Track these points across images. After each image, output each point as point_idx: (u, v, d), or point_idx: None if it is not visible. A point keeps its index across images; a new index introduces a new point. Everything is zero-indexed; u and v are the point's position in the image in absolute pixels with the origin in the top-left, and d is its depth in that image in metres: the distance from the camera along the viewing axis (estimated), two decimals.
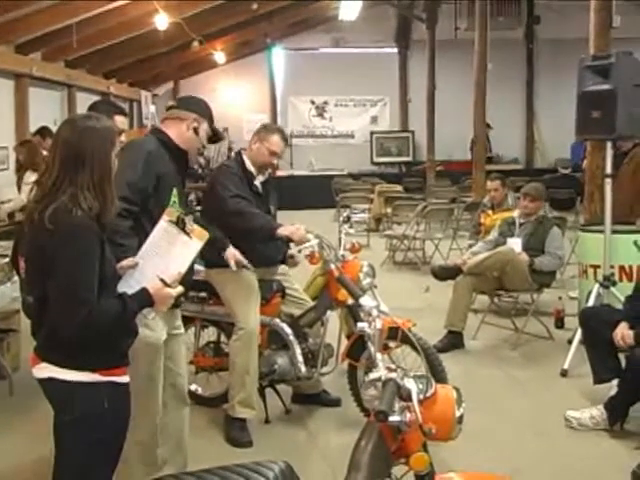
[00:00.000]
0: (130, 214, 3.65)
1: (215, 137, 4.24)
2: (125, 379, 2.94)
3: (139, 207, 3.71)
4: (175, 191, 3.87)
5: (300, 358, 5.15)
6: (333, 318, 5.40)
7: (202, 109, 4.15)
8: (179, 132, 4.00)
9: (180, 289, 2.94)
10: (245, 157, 5.30)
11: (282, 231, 4.95)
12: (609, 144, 6.37)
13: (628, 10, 12.86)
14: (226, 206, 5.03)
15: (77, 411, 2.78)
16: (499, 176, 9.08)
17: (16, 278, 5.20)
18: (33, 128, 11.70)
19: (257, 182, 5.28)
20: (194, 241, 3.06)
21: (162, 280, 2.87)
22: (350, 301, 4.93)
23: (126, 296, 2.81)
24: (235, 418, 5.07)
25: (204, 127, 4.08)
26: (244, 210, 5.03)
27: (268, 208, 5.32)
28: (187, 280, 3.28)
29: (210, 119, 4.16)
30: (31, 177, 7.52)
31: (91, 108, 4.64)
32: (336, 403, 5.58)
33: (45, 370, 2.81)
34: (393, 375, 2.46)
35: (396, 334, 4.30)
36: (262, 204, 5.25)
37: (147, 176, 3.77)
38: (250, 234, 5.05)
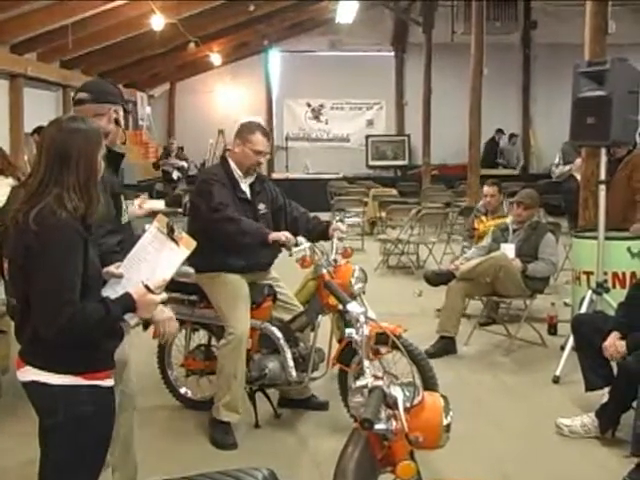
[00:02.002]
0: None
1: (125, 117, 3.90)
2: (109, 382, 2.92)
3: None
4: (122, 197, 3.75)
5: (291, 363, 5.13)
6: (324, 323, 5.38)
7: (116, 95, 3.83)
8: (103, 128, 3.55)
9: (164, 296, 2.93)
10: (231, 161, 5.26)
11: (276, 237, 4.92)
12: (603, 150, 6.35)
13: (624, 16, 12.87)
14: (213, 214, 4.98)
15: (60, 415, 2.76)
16: (496, 182, 9.06)
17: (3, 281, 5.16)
18: (28, 129, 11.70)
19: (244, 186, 5.25)
20: (181, 249, 3.05)
21: (146, 286, 2.85)
22: (341, 306, 4.92)
23: (109, 300, 2.79)
24: (220, 421, 5.04)
25: (121, 113, 3.79)
26: (233, 216, 4.99)
27: (256, 212, 5.26)
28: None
29: (124, 102, 3.89)
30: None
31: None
32: (324, 407, 5.56)
33: (28, 373, 2.79)
34: (379, 383, 2.43)
35: (387, 340, 4.27)
36: (249, 208, 5.21)
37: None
38: (241, 238, 5.00)
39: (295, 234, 5.12)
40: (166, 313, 3.40)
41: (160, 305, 2.94)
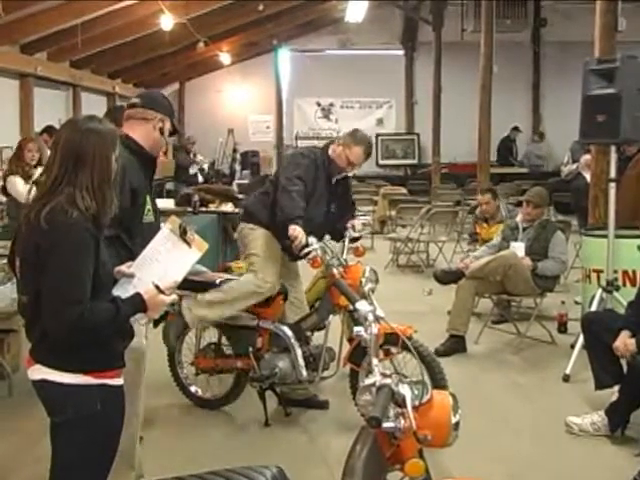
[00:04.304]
0: (117, 240, 3.52)
1: (174, 132, 4.09)
2: (119, 381, 2.93)
3: (115, 229, 3.49)
4: (148, 199, 3.81)
5: (301, 361, 5.14)
6: (335, 322, 5.38)
7: (166, 107, 4.02)
8: (146, 134, 3.87)
9: (174, 297, 2.95)
10: (330, 152, 5.40)
11: (292, 230, 4.94)
12: (613, 148, 6.33)
13: (634, 13, 12.80)
14: (285, 180, 5.18)
15: (70, 413, 2.77)
16: (489, 189, 9.03)
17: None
18: (37, 128, 11.72)
19: (333, 178, 5.40)
20: (193, 251, 3.07)
21: (157, 287, 2.86)
22: (351, 306, 4.91)
23: (119, 300, 2.80)
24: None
25: (167, 126, 3.96)
26: (292, 193, 5.10)
27: (328, 206, 5.37)
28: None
29: (173, 116, 4.06)
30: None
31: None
32: (324, 406, 5.56)
33: (38, 372, 2.81)
34: (388, 381, 2.44)
35: (397, 340, 4.27)
36: (323, 200, 5.34)
37: (124, 195, 3.58)
38: (280, 213, 5.15)
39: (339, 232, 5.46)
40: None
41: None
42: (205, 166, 16.53)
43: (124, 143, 3.61)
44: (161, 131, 3.90)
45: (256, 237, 5.32)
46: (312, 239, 4.97)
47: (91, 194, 2.76)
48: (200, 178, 15.54)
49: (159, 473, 4.24)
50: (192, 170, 15.57)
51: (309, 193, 5.21)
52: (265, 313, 5.26)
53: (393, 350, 4.67)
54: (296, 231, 4.92)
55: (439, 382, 4.71)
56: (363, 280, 5.05)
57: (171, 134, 4.06)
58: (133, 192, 3.68)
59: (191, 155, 15.98)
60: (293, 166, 5.32)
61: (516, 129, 20.53)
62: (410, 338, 4.43)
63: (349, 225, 5.47)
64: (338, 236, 5.56)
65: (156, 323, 4.99)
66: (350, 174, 5.59)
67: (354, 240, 5.49)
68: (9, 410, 5.47)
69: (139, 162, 3.80)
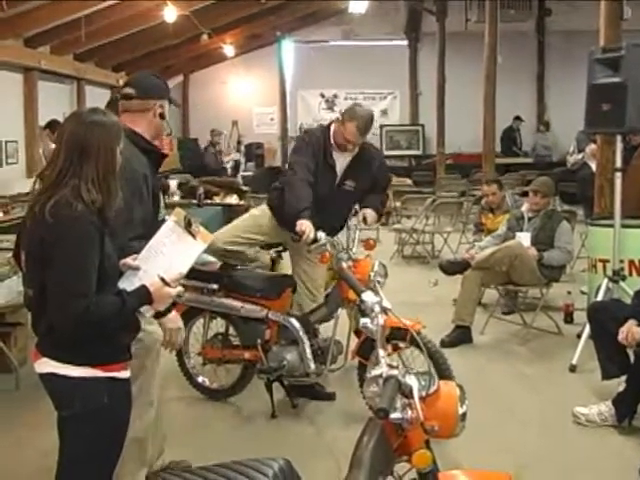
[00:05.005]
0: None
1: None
2: (125, 374, 2.93)
3: (142, 228, 3.49)
4: (160, 196, 3.87)
5: (309, 354, 5.14)
6: (343, 315, 5.38)
7: (162, 89, 3.89)
8: (147, 124, 3.75)
9: (180, 289, 2.95)
10: (332, 129, 5.43)
11: (299, 225, 4.96)
12: (619, 137, 6.31)
13: (639, 2, 12.75)
14: (288, 169, 5.51)
15: (77, 406, 2.78)
16: (494, 179, 9.01)
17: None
18: (42, 122, 11.73)
19: (336, 155, 5.40)
20: (198, 242, 3.08)
21: (162, 279, 2.86)
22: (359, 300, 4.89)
23: (125, 293, 2.80)
24: None
25: (167, 107, 3.85)
26: (293, 182, 5.26)
27: (334, 182, 5.40)
28: None
29: (168, 95, 3.92)
30: None
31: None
32: (330, 397, 5.56)
33: (45, 365, 2.81)
34: (395, 372, 2.44)
35: (404, 335, 4.26)
36: (329, 177, 5.38)
37: (148, 203, 3.63)
38: (286, 206, 5.27)
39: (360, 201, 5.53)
40: (177, 324, 3.50)
41: (176, 315, 2.97)
42: (239, 158, 16.46)
43: (132, 140, 3.50)
44: (161, 116, 3.79)
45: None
46: (321, 234, 4.96)
47: (96, 186, 2.76)
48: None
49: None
50: (228, 165, 15.50)
51: (313, 171, 5.29)
52: (274, 305, 5.26)
53: (401, 345, 4.66)
54: (303, 226, 4.93)
55: (444, 373, 4.71)
56: (372, 274, 5.01)
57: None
58: (144, 189, 3.61)
59: (216, 148, 15.87)
60: (293, 152, 5.56)
61: (518, 118, 20.49)
62: (419, 333, 4.41)
63: (361, 216, 5.45)
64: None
65: (162, 315, 4.99)
66: (353, 150, 5.47)
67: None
68: (16, 403, 5.48)
69: (144, 155, 3.68)
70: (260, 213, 5.77)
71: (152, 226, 3.40)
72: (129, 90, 3.77)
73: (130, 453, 3.63)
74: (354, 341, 5.13)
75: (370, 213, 5.47)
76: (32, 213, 2.76)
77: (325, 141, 5.40)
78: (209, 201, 10.21)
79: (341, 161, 5.43)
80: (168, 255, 2.98)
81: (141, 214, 3.50)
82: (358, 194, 5.51)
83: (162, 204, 3.96)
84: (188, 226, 3.05)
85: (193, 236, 3.07)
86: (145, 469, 3.94)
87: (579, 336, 6.39)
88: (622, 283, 6.14)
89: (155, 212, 3.75)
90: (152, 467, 4.16)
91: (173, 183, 11.43)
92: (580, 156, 9.71)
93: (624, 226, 6.31)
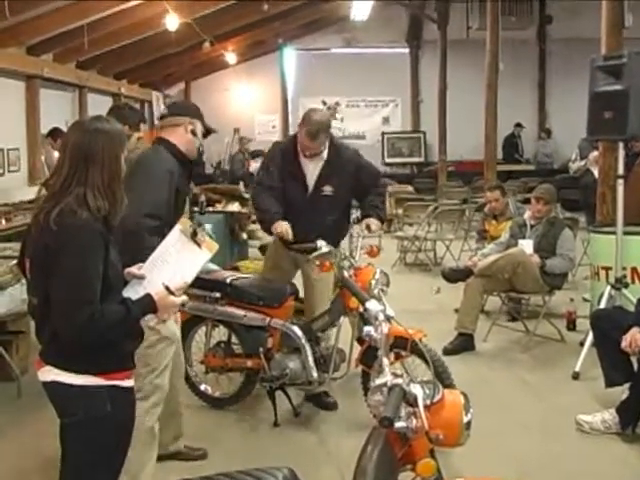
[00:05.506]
0: (159, 230, 3.74)
1: (207, 133, 4.56)
2: (129, 383, 2.93)
3: (163, 219, 3.94)
4: (187, 200, 4.36)
5: (312, 362, 5.13)
6: (345, 323, 5.37)
7: (193, 111, 4.49)
8: (180, 137, 4.32)
9: (184, 298, 2.95)
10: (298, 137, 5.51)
11: (274, 229, 5.24)
12: (621, 145, 6.31)
13: None
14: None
15: (80, 414, 2.78)
16: (497, 185, 9.01)
17: (25, 280, 5.21)
18: (44, 129, 11.74)
19: (304, 161, 5.45)
20: (203, 252, 3.09)
21: (167, 288, 2.86)
22: (362, 308, 4.88)
23: (130, 302, 2.80)
24: None
25: (199, 127, 4.41)
26: (256, 197, 5.62)
27: (305, 188, 5.45)
28: None
29: (202, 118, 4.48)
30: None
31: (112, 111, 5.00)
32: (332, 407, 5.56)
33: (48, 373, 2.81)
34: (399, 381, 2.43)
35: (406, 344, 4.26)
36: (299, 184, 5.46)
37: (171, 195, 4.11)
38: (258, 213, 5.65)
39: (360, 208, 5.65)
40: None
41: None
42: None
43: (166, 147, 4.29)
44: (193, 132, 4.35)
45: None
46: (321, 242, 4.97)
47: (102, 194, 2.77)
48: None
49: (167, 474, 4.26)
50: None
51: (281, 180, 5.45)
52: (276, 313, 5.26)
53: (403, 353, 4.65)
54: (278, 227, 5.21)
55: (445, 381, 4.69)
56: (373, 282, 5.00)
57: (205, 136, 4.52)
58: (177, 192, 4.16)
59: (245, 155, 15.78)
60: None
61: (519, 125, 20.51)
62: (420, 342, 4.40)
63: (363, 225, 5.46)
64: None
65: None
66: (319, 156, 5.51)
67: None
68: (18, 412, 5.48)
69: (179, 164, 4.26)
70: (269, 250, 5.97)
71: (169, 214, 3.96)
72: (164, 111, 4.59)
73: (141, 439, 3.77)
74: (357, 349, 5.12)
75: (373, 222, 5.48)
76: (37, 221, 2.76)
77: (294, 149, 5.46)
78: (211, 209, 10.18)
79: (312, 167, 5.47)
80: (173, 264, 2.98)
81: (152, 197, 4.01)
82: (342, 198, 5.54)
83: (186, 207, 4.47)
84: (194, 235, 3.06)
85: (198, 245, 3.08)
86: (154, 454, 4.11)
87: (582, 344, 6.38)
88: (625, 290, 6.14)
89: (177, 206, 4.16)
90: (166, 448, 4.52)
91: None
92: (583, 163, 9.69)
93: (626, 233, 6.30)
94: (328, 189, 5.45)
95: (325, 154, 5.47)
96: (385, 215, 5.92)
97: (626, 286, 6.17)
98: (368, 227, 5.45)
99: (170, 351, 4.17)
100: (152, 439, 4.05)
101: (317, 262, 4.98)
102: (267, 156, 5.66)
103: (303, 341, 5.14)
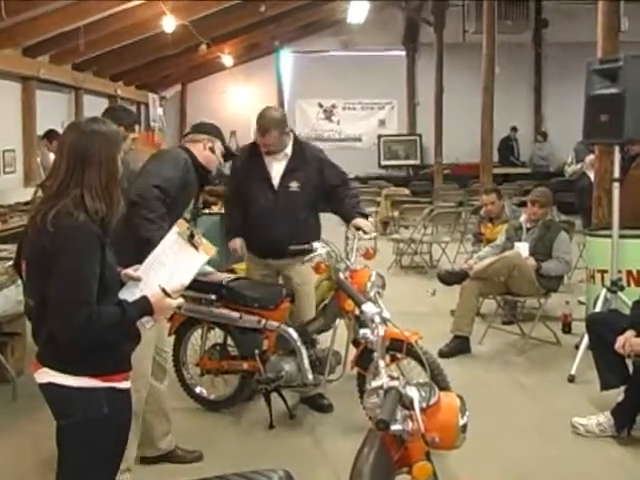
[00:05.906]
0: (164, 202, 4.27)
1: (228, 154, 4.97)
2: (125, 385, 2.92)
3: (170, 199, 4.32)
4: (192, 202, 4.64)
5: (307, 364, 5.12)
6: (341, 325, 5.37)
7: (213, 131, 4.83)
8: (199, 151, 4.68)
9: (180, 301, 2.95)
10: None
11: (229, 246, 5.75)
12: (617, 148, 6.32)
13: (636, 13, 12.78)
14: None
15: (76, 416, 2.77)
16: (494, 188, 9.01)
17: (20, 281, 5.21)
18: (40, 131, 11.74)
19: (268, 160, 5.56)
20: (200, 254, 3.09)
21: (163, 290, 2.86)
22: (357, 311, 4.88)
23: (126, 304, 2.80)
24: None
25: (218, 146, 4.77)
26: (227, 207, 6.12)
27: (270, 185, 5.53)
28: None
29: (222, 139, 4.82)
30: None
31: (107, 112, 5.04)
32: (327, 409, 5.56)
33: (45, 375, 2.80)
34: (395, 383, 2.43)
35: (402, 346, 4.26)
36: (265, 185, 5.53)
37: (181, 180, 4.44)
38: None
39: (341, 215, 5.67)
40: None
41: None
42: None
43: (189, 154, 4.64)
44: (211, 150, 4.71)
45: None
46: (317, 244, 4.98)
47: (100, 195, 2.77)
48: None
49: (164, 477, 4.25)
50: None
51: (245, 182, 5.60)
52: (272, 315, 5.25)
53: (399, 355, 4.65)
54: (231, 244, 5.77)
55: (440, 384, 4.68)
56: (369, 285, 5.00)
57: (226, 159, 4.94)
58: (185, 185, 4.49)
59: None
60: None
61: (514, 129, 20.55)
62: (416, 344, 4.41)
63: (359, 227, 5.44)
64: (342, 211, 5.68)
65: None
66: (281, 153, 5.60)
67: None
68: (14, 414, 5.46)
69: (197, 174, 4.62)
70: (246, 263, 6.10)
71: (175, 200, 4.36)
72: (188, 130, 5.04)
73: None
74: (352, 351, 5.12)
75: (360, 221, 5.45)
76: (33, 223, 2.76)
77: (258, 149, 5.58)
78: (207, 211, 10.16)
79: (276, 166, 5.55)
80: (170, 266, 2.99)
81: (165, 174, 4.39)
82: (309, 195, 5.56)
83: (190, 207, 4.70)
84: (191, 238, 3.06)
85: (196, 248, 3.07)
86: (136, 441, 4.22)
87: (577, 347, 6.38)
88: (620, 293, 6.13)
89: (182, 202, 4.50)
90: (157, 446, 4.61)
91: None
92: (579, 166, 9.70)
93: (622, 236, 6.31)
94: (294, 185, 5.50)
95: (289, 151, 5.55)
96: (364, 209, 5.89)
97: (622, 289, 6.17)
98: (359, 228, 5.42)
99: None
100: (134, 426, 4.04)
101: (312, 264, 4.98)
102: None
103: (299, 343, 5.14)
